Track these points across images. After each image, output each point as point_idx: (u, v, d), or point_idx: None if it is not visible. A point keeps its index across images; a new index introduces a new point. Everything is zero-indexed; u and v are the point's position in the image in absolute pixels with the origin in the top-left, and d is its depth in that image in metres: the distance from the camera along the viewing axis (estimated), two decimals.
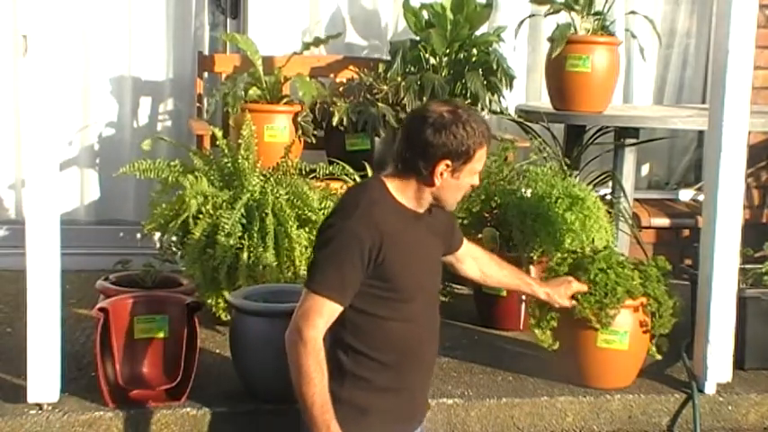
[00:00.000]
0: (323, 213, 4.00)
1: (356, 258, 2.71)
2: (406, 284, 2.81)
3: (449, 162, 2.76)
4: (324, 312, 2.70)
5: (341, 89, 5.01)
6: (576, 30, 4.83)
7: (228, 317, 3.96)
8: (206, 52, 5.36)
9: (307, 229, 4.05)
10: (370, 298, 2.77)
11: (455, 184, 2.82)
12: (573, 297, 3.54)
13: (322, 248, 2.76)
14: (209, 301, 3.98)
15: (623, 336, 3.64)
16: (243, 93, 4.71)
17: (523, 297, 4.23)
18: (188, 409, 3.43)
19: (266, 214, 4.00)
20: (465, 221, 4.29)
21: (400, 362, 2.84)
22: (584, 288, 3.56)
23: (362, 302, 2.77)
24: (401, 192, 2.82)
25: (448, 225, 3.08)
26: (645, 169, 5.91)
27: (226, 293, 3.89)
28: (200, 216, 4.00)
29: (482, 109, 4.88)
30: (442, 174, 2.77)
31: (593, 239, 4.11)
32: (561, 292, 3.45)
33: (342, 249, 2.71)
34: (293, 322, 2.70)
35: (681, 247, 5.47)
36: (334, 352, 2.81)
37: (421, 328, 2.89)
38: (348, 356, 2.81)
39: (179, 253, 4.17)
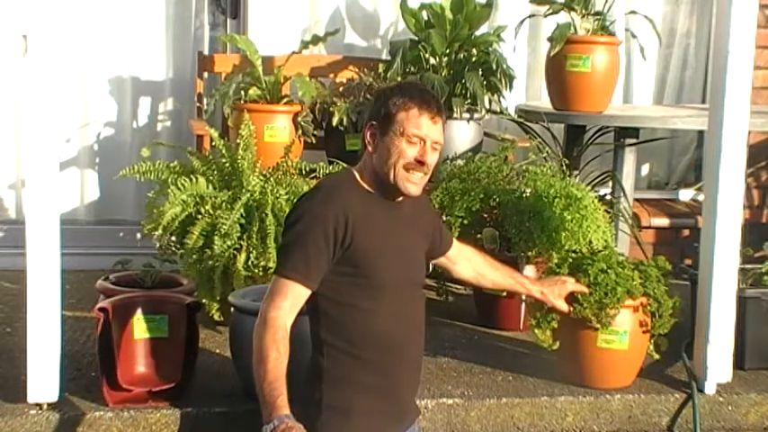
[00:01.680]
0: None
1: (319, 239, 2.71)
2: (379, 272, 2.78)
3: (374, 122, 2.81)
4: (288, 294, 2.69)
5: (341, 89, 5.01)
6: (576, 30, 4.83)
7: (223, 317, 3.96)
8: (206, 52, 5.36)
9: None
10: (344, 287, 2.76)
11: (384, 148, 2.79)
12: (571, 297, 3.54)
13: (286, 233, 2.79)
14: (205, 301, 3.97)
15: (623, 336, 3.64)
16: (235, 92, 4.72)
17: (524, 297, 4.23)
18: (188, 409, 3.43)
19: (266, 215, 4.00)
20: (465, 221, 4.28)
21: (380, 358, 2.80)
22: (581, 288, 3.55)
23: (336, 292, 2.76)
24: (365, 177, 2.85)
25: (434, 225, 3.09)
26: (645, 169, 5.91)
27: (218, 294, 3.91)
28: (199, 217, 4.00)
29: (482, 109, 4.89)
30: (372, 136, 2.81)
31: (589, 240, 4.10)
32: (555, 292, 3.47)
33: (304, 231, 2.72)
34: (260, 308, 2.72)
35: (681, 247, 5.47)
36: (314, 356, 2.81)
37: (401, 323, 2.85)
38: (324, 355, 2.78)
39: (179, 253, 4.17)
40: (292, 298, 2.70)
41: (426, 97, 2.82)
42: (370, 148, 2.82)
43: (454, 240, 3.26)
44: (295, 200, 4.05)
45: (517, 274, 3.50)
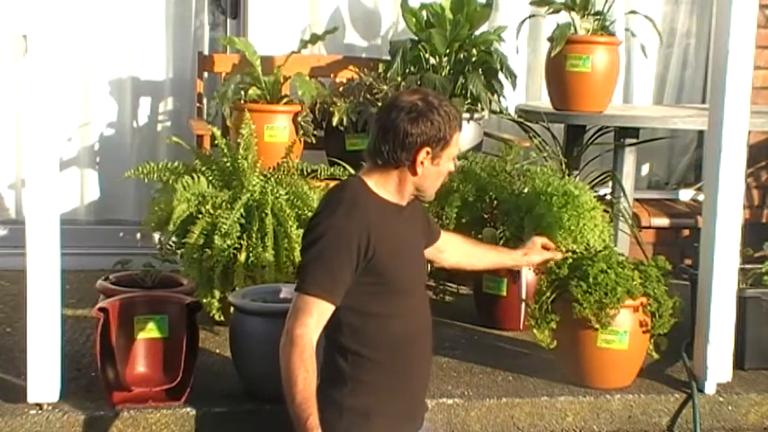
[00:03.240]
0: None
1: (344, 255, 2.71)
2: (399, 277, 2.82)
3: (429, 149, 2.79)
4: (313, 312, 2.69)
5: (341, 89, 5.00)
6: (576, 30, 4.83)
7: (223, 317, 3.96)
8: (206, 52, 5.36)
9: None
10: (366, 296, 2.77)
11: (435, 171, 2.84)
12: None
13: (309, 249, 2.77)
14: (204, 300, 3.97)
15: (623, 335, 3.64)
16: (233, 93, 4.72)
17: (524, 296, 4.23)
18: (188, 409, 3.43)
19: (266, 214, 4.00)
20: (463, 219, 4.29)
21: (398, 359, 2.83)
22: (544, 240, 3.55)
23: (358, 302, 2.77)
24: (382, 186, 2.83)
25: (423, 217, 3.11)
26: (645, 169, 5.91)
27: (218, 293, 3.92)
28: (200, 216, 4.00)
29: (482, 109, 4.89)
30: (423, 162, 2.80)
31: (587, 239, 4.10)
32: (533, 248, 3.48)
33: (329, 247, 2.72)
34: (285, 326, 2.70)
35: (681, 247, 5.47)
36: (334, 360, 2.81)
37: (415, 323, 2.90)
38: (347, 361, 2.80)
39: (179, 253, 4.17)
40: (317, 315, 2.70)
41: (461, 116, 2.92)
42: (419, 171, 2.81)
43: (441, 231, 3.27)
44: (296, 200, 4.09)
45: (496, 247, 3.56)
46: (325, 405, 2.71)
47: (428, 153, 2.80)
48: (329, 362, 2.83)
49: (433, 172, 2.84)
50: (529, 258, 3.49)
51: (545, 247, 3.51)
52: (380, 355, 2.81)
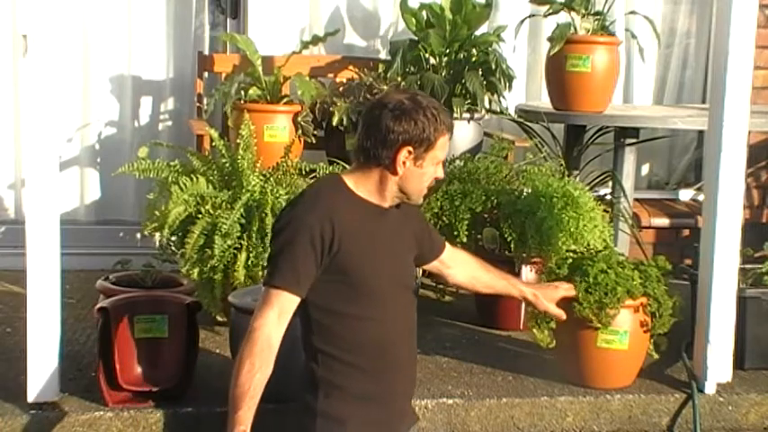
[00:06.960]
0: None
1: (307, 246, 2.67)
2: (368, 277, 2.75)
3: (410, 149, 2.74)
4: (275, 304, 2.67)
5: (341, 89, 5.01)
6: (576, 30, 4.83)
7: (223, 318, 3.96)
8: (206, 52, 5.37)
9: None
10: (333, 294, 2.73)
11: (418, 173, 2.78)
12: (565, 302, 3.49)
13: (273, 242, 2.77)
14: (205, 301, 3.97)
15: (623, 335, 3.64)
16: (238, 93, 4.72)
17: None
18: (188, 409, 3.43)
19: (266, 214, 3.99)
20: (468, 223, 4.29)
21: (374, 365, 2.77)
22: (572, 293, 3.51)
23: (325, 299, 2.73)
24: (362, 185, 2.80)
25: (422, 229, 3.06)
26: (645, 169, 5.91)
27: (218, 293, 3.93)
28: (199, 216, 4.00)
29: (482, 109, 4.89)
30: (404, 162, 2.75)
31: (587, 239, 4.10)
32: (548, 295, 3.38)
33: (291, 239, 2.69)
34: None
35: (681, 247, 5.47)
36: (308, 363, 2.78)
37: (393, 329, 2.82)
38: (319, 363, 2.75)
39: (179, 253, 4.17)
40: (279, 308, 2.67)
41: (451, 121, 2.84)
42: (400, 171, 2.76)
43: (447, 245, 3.21)
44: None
45: (510, 276, 3.44)
46: (301, 410, 2.68)
47: (410, 153, 2.74)
48: (305, 366, 2.78)
49: (415, 174, 2.78)
50: (537, 302, 3.35)
51: (566, 298, 3.45)
52: (353, 358, 2.75)
